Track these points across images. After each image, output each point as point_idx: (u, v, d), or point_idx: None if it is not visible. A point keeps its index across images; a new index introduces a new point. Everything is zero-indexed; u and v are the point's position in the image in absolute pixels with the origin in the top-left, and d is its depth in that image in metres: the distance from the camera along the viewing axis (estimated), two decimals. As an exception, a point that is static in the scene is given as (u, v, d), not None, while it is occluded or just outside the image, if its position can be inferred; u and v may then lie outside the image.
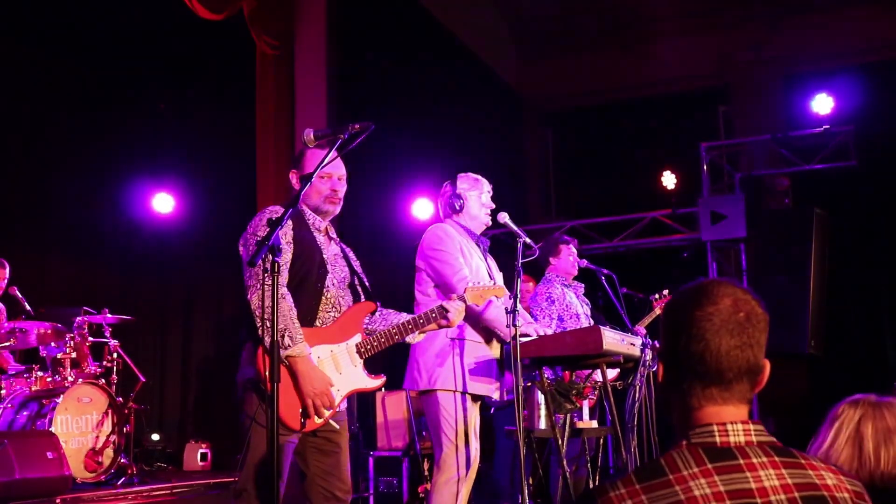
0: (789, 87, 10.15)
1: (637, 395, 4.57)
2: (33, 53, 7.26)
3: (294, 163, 3.35)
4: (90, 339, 6.18)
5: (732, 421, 1.41)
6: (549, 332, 4.36)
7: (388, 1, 8.66)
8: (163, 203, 8.19)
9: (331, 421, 3.11)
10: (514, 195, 10.95)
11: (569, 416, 4.41)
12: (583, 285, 5.64)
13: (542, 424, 4.33)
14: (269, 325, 2.68)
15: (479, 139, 9.74)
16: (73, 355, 5.94)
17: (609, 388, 4.25)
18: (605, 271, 5.46)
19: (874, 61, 10.06)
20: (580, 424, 4.62)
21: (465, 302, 3.34)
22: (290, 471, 3.15)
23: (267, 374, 2.64)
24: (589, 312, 5.54)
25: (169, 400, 8.46)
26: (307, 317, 3.09)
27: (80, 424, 5.77)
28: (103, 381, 6.06)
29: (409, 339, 3.31)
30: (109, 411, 5.96)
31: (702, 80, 10.94)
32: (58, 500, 4.89)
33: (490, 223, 4.24)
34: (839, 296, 8.86)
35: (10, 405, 5.64)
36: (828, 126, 8.80)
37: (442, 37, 9.57)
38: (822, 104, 9.06)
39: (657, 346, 4.48)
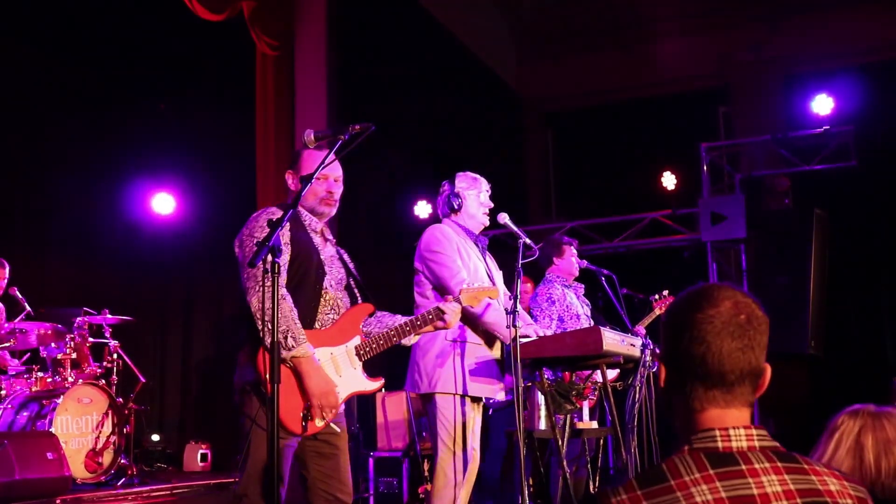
0: (789, 87, 10.14)
1: (637, 395, 4.57)
2: (33, 53, 7.26)
3: (291, 164, 3.34)
4: (90, 339, 6.18)
5: (735, 426, 1.41)
6: (549, 333, 4.37)
7: (388, 1, 8.66)
8: (163, 203, 8.19)
9: (331, 424, 3.10)
10: (515, 196, 10.96)
11: (569, 416, 4.41)
12: (583, 286, 5.64)
13: (542, 425, 4.33)
14: (269, 326, 2.67)
15: (480, 140, 9.74)
16: (74, 356, 5.94)
17: (609, 389, 4.25)
18: (606, 272, 5.46)
19: (874, 62, 10.06)
20: (580, 425, 4.63)
21: (460, 304, 3.34)
22: (291, 475, 3.13)
23: (268, 376, 2.62)
24: (589, 313, 5.54)
25: (169, 400, 8.46)
26: (306, 319, 3.07)
27: (81, 425, 5.77)
28: (103, 381, 6.06)
29: (405, 341, 3.30)
30: (109, 412, 5.96)
31: (702, 81, 10.93)
32: (58, 501, 4.89)
33: (488, 223, 4.23)
34: (839, 296, 8.86)
35: (10, 406, 5.64)
36: (828, 126, 8.80)
37: (442, 37, 9.57)
38: (823, 105, 9.06)
39: (657, 349, 4.48)
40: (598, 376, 4.49)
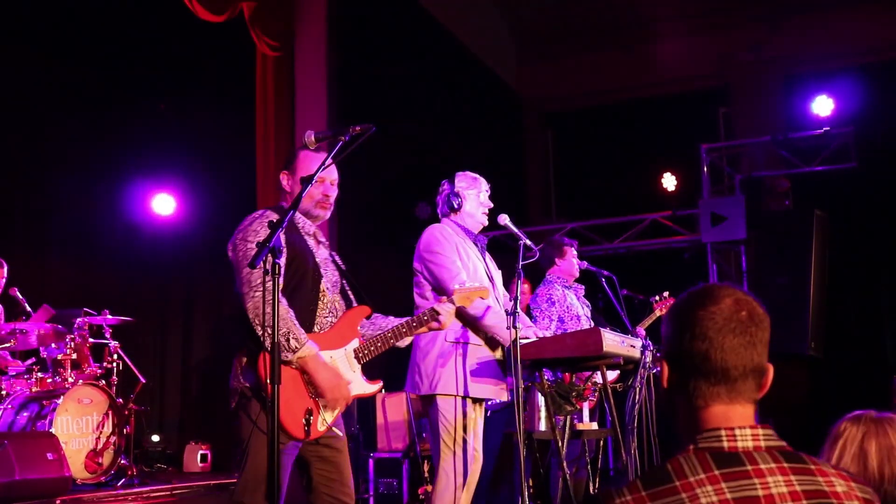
0: (789, 88, 10.15)
1: (637, 396, 4.57)
2: (33, 53, 7.25)
3: (286, 164, 3.30)
4: (90, 340, 6.18)
5: (741, 425, 1.41)
6: (549, 334, 4.37)
7: (388, 1, 8.66)
8: (163, 204, 8.18)
9: (333, 427, 3.09)
10: (515, 197, 10.97)
11: (569, 417, 4.41)
12: (583, 287, 5.64)
13: (543, 426, 4.33)
14: (269, 330, 2.63)
15: (480, 140, 9.74)
16: (74, 356, 5.94)
17: (609, 390, 4.25)
18: (606, 273, 5.47)
19: (874, 62, 10.07)
20: (580, 426, 4.63)
21: (454, 304, 3.34)
22: (289, 481, 3.09)
23: (268, 380, 2.59)
24: (589, 314, 5.54)
25: (169, 401, 8.45)
26: (305, 322, 3.04)
27: (81, 425, 5.77)
28: (103, 382, 6.06)
29: (400, 342, 3.29)
30: (110, 412, 5.96)
31: (702, 81, 10.94)
32: (58, 501, 4.89)
33: (487, 222, 4.23)
34: (839, 297, 8.87)
35: (10, 406, 5.64)
36: (828, 127, 8.81)
37: (442, 37, 9.58)
38: (823, 105, 9.07)
39: (657, 351, 4.48)
40: (598, 377, 4.49)
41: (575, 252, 5.60)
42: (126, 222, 8.06)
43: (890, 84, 9.49)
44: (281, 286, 2.90)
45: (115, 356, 6.24)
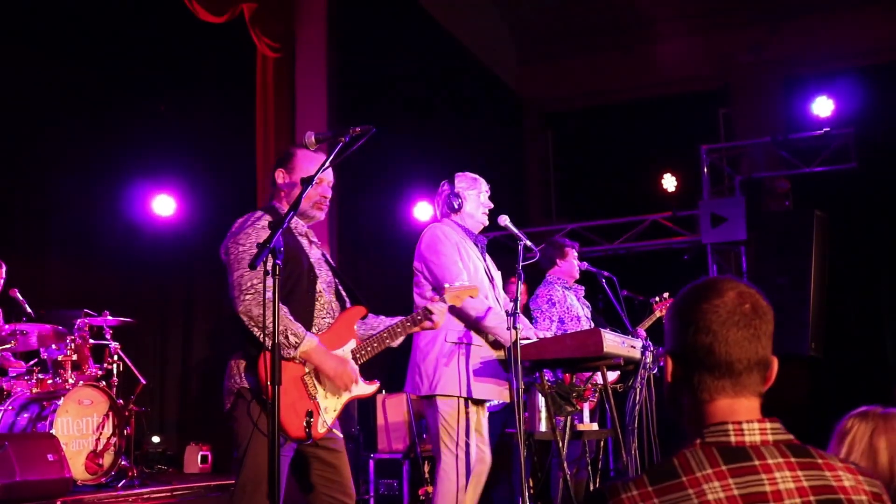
0: (789, 89, 10.15)
1: (637, 397, 4.57)
2: (33, 53, 7.25)
3: (281, 162, 3.28)
4: (91, 341, 6.18)
5: (749, 420, 1.40)
6: (549, 334, 4.37)
7: (388, 2, 8.66)
8: (163, 204, 8.17)
9: (332, 429, 3.09)
10: (515, 197, 10.96)
11: (569, 418, 4.41)
12: (583, 288, 5.64)
13: (543, 427, 4.33)
14: (268, 329, 2.63)
15: (480, 141, 9.74)
16: (74, 357, 5.93)
17: (609, 391, 4.25)
18: (606, 274, 5.47)
19: (874, 64, 10.07)
20: (581, 427, 4.63)
21: (445, 303, 3.34)
22: (286, 485, 3.08)
23: (269, 382, 2.58)
24: (589, 315, 5.54)
25: (169, 402, 8.44)
26: (304, 324, 3.02)
27: (81, 426, 5.76)
28: (104, 383, 6.05)
29: (393, 343, 3.28)
30: (110, 413, 5.95)
31: (702, 82, 10.94)
32: (58, 503, 4.89)
33: (487, 223, 4.23)
34: (839, 297, 8.87)
35: (10, 407, 5.63)
36: (828, 128, 8.81)
37: (442, 37, 9.58)
38: (823, 106, 9.06)
39: (657, 351, 4.48)
40: (598, 378, 4.49)
41: (576, 254, 5.60)
42: (126, 223, 8.04)
43: (890, 85, 9.49)
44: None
45: (116, 357, 6.24)
